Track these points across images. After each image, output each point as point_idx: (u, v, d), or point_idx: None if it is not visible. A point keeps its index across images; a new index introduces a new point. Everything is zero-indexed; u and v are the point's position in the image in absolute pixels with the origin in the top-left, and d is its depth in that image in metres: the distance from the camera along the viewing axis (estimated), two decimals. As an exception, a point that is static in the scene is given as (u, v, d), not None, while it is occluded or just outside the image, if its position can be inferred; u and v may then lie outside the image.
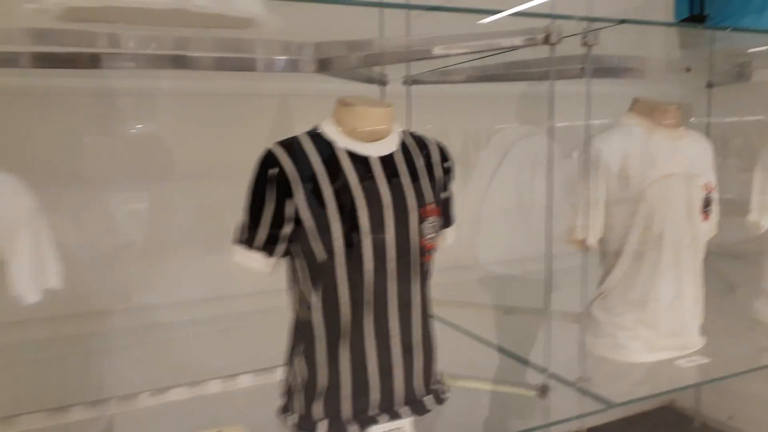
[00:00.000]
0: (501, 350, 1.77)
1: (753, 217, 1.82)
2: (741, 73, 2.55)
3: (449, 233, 1.42)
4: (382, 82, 2.15)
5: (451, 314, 1.98)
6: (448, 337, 1.85)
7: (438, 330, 1.76)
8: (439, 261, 1.32)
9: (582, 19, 1.32)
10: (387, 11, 1.61)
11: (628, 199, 1.54)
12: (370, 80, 2.13)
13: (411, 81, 2.21)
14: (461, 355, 1.79)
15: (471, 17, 1.47)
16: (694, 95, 2.88)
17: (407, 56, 1.52)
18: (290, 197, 1.16)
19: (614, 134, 1.57)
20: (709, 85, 2.79)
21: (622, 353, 1.59)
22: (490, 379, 1.67)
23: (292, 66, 1.58)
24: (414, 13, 1.71)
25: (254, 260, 1.19)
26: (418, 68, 2.20)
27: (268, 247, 1.19)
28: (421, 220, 1.23)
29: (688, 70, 2.10)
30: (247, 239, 1.19)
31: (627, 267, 1.57)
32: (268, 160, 1.17)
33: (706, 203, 1.59)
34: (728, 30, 1.61)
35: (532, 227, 1.62)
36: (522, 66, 1.89)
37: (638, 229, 1.54)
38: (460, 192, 1.40)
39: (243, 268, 1.19)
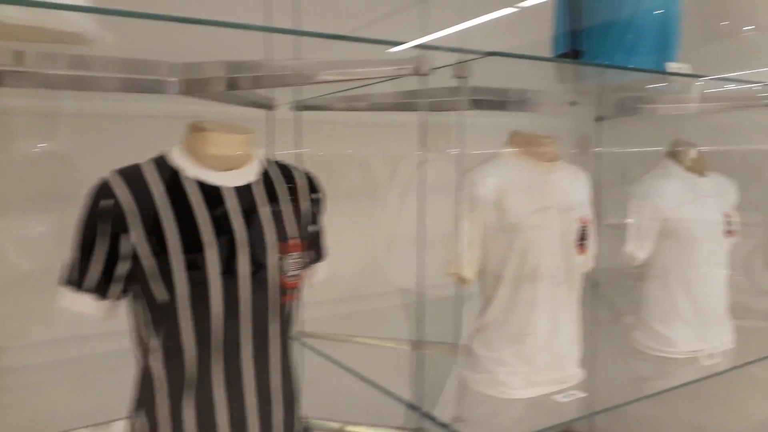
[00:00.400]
0: (381, 389, 1.70)
1: (628, 248, 1.85)
2: (627, 106, 2.67)
3: (321, 268, 1.35)
4: (268, 107, 2.07)
5: (333, 348, 1.90)
6: (325, 373, 1.77)
7: (316, 365, 1.66)
8: (329, 292, 1.24)
9: (452, 50, 1.30)
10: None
11: (504, 232, 1.52)
12: (256, 104, 2.04)
13: (301, 107, 2.15)
14: (336, 393, 1.71)
15: (365, 46, 1.42)
16: (587, 128, 3.01)
17: (273, 81, 1.44)
18: (126, 232, 1.04)
19: (491, 167, 1.56)
20: (599, 119, 2.91)
21: (501, 389, 1.55)
22: (363, 422, 1.59)
23: (155, 87, 1.47)
24: (307, 40, 1.65)
25: (84, 303, 1.06)
26: (309, 93, 2.14)
27: (101, 288, 1.06)
28: (282, 256, 1.15)
29: (573, 104, 2.15)
30: (76, 280, 1.06)
31: (504, 300, 1.55)
32: (102, 190, 1.05)
33: (582, 236, 1.59)
34: (598, 65, 1.64)
35: (429, 255, 1.58)
36: (408, 96, 1.87)
37: (514, 262, 1.52)
38: (349, 221, 1.34)
39: (71, 313, 1.06)
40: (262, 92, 2.02)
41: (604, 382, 1.75)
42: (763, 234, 2.30)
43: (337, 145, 2.28)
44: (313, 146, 2.27)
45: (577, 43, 1.65)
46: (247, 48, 1.46)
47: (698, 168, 1.91)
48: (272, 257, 1.13)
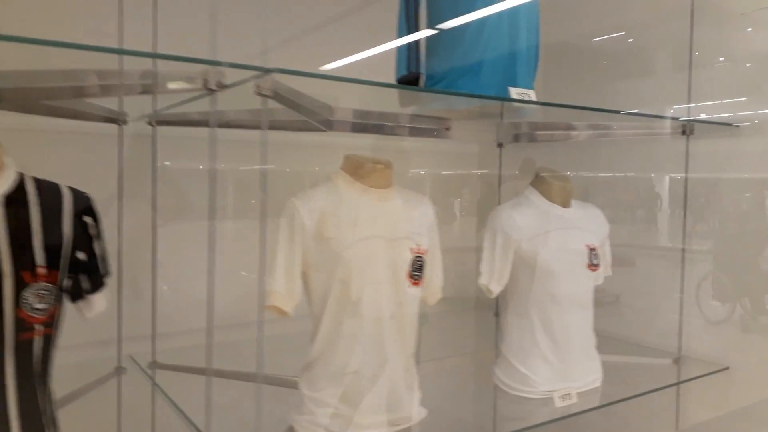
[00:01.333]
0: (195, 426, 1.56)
1: (481, 280, 1.77)
2: (522, 134, 2.63)
3: (98, 299, 1.22)
4: (119, 121, 1.95)
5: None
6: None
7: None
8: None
9: (246, 67, 1.19)
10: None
11: (326, 262, 1.42)
12: (105, 119, 1.92)
13: (157, 121, 2.03)
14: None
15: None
16: (491, 153, 2.96)
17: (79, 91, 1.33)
18: None
19: (315, 192, 1.46)
20: (500, 144, 2.86)
21: (322, 432, 1.43)
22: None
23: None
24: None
25: None
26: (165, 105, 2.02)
27: None
28: (23, 286, 1.02)
29: (448, 129, 2.07)
30: None
31: (327, 336, 1.44)
32: None
33: (417, 267, 1.50)
34: (433, 91, 1.56)
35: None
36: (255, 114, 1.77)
37: (336, 295, 1.42)
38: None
39: None
40: (112, 106, 1.90)
41: (450, 424, 1.65)
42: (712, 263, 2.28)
43: (197, 161, 2.16)
44: (173, 161, 2.16)
45: (418, 66, 1.57)
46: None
47: (561, 197, 1.84)
48: (8, 287, 1.00)
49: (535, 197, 1.84)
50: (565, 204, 1.85)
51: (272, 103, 1.29)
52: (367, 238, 1.42)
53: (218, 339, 2.31)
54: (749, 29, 2.04)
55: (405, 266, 1.47)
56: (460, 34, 1.58)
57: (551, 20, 2.76)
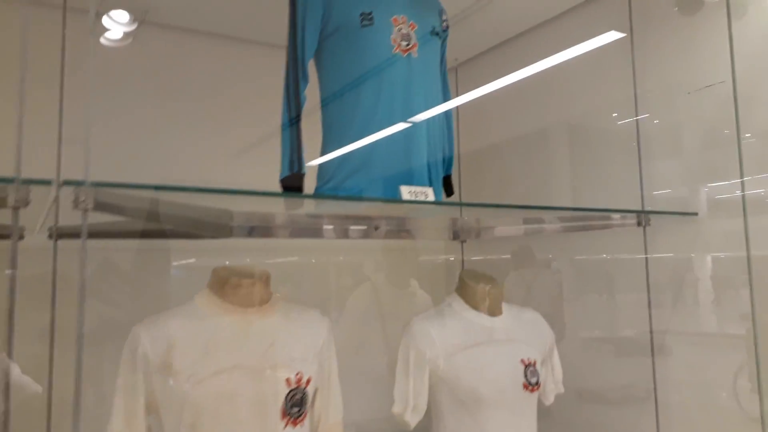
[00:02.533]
0: None
1: (396, 408, 1.51)
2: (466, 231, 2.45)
3: None
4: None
5: None
6: None
7: None
8: None
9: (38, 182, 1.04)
10: None
11: (173, 403, 1.19)
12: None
13: (60, 234, 1.89)
14: None
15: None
16: (453, 248, 2.76)
17: None
18: None
19: (165, 316, 1.25)
20: (461, 240, 2.67)
21: None
22: None
23: None
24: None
25: None
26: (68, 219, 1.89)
27: None
28: None
29: (376, 228, 1.89)
30: None
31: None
32: None
33: (295, 403, 1.26)
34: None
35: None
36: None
37: (184, 441, 1.18)
38: None
39: None
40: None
41: None
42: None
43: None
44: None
45: (300, 166, 1.41)
46: None
47: (488, 304, 1.60)
48: None
49: (458, 305, 1.61)
50: (494, 312, 1.61)
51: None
52: (224, 371, 1.20)
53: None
54: (697, 108, 1.86)
55: (276, 402, 1.23)
56: (345, 130, 1.43)
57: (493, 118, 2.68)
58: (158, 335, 1.21)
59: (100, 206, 1.14)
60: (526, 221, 2.16)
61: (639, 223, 1.93)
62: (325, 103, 1.49)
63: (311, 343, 1.35)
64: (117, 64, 2.10)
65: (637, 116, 1.97)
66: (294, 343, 1.31)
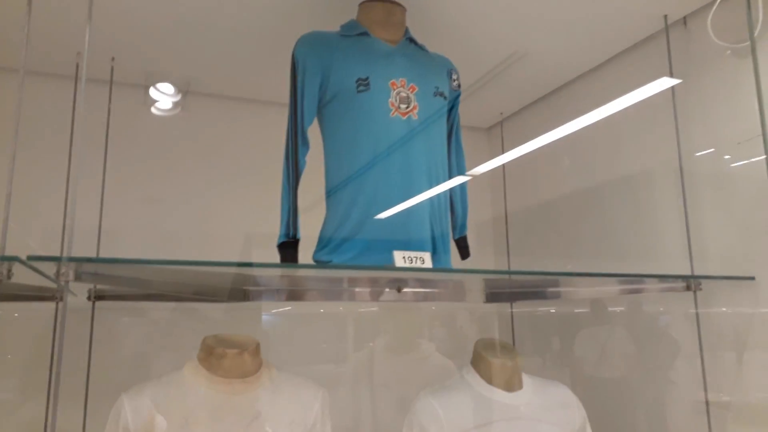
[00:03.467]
0: None
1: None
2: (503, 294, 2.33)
3: None
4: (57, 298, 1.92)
5: None
6: None
7: None
8: None
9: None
10: None
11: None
12: (38, 297, 1.89)
13: (99, 295, 1.98)
14: None
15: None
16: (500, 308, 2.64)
17: None
18: None
19: (149, 386, 1.25)
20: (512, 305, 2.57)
21: None
22: None
23: None
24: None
25: None
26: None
27: None
28: None
29: (399, 290, 1.83)
30: None
31: None
32: None
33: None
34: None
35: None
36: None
37: None
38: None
39: None
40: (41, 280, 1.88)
41: None
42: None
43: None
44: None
45: (295, 231, 1.40)
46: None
47: (507, 379, 1.48)
48: None
49: (471, 378, 1.50)
50: (511, 387, 1.48)
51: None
52: (201, 443, 1.18)
53: None
54: (749, 158, 1.68)
55: (259, 478, 1.19)
56: (342, 194, 1.40)
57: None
58: (140, 405, 1.21)
59: (88, 277, 1.18)
60: (564, 283, 2.02)
61: (688, 288, 1.75)
62: (326, 168, 1.48)
63: (300, 415, 1.30)
64: (165, 132, 2.23)
65: (681, 168, 1.81)
66: (281, 416, 1.27)
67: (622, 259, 2.07)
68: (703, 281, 1.72)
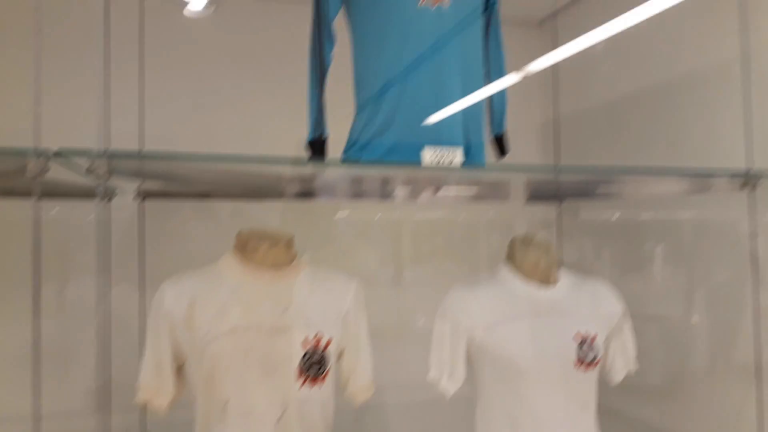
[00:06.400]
0: None
1: (432, 376, 1.45)
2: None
3: None
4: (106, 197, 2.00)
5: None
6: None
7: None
8: None
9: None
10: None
11: (193, 356, 1.26)
12: (84, 195, 1.97)
13: (144, 194, 2.05)
14: None
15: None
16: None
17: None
18: None
19: (189, 275, 1.31)
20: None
21: None
22: None
23: None
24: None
25: None
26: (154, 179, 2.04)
27: None
28: None
29: (437, 190, 1.82)
30: None
31: (199, 442, 1.27)
32: None
33: (313, 364, 1.27)
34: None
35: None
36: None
37: (202, 394, 1.25)
38: None
39: None
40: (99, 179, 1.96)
41: None
42: None
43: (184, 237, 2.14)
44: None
45: (322, 128, 1.38)
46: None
47: (539, 273, 1.48)
48: None
49: (505, 273, 1.50)
50: (546, 281, 1.48)
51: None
52: (238, 329, 1.23)
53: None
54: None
55: (291, 362, 1.25)
56: (370, 89, 1.36)
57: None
58: (180, 293, 1.27)
59: (124, 175, 1.21)
60: (616, 182, 1.94)
61: (746, 183, 1.65)
62: (354, 63, 1.43)
63: (334, 306, 1.34)
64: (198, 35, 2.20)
65: (746, 61, 1.66)
66: (314, 305, 1.31)
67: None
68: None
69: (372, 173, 1.45)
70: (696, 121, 1.91)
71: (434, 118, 1.33)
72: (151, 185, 2.01)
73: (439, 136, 1.33)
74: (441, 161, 1.25)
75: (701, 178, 1.68)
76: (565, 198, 2.38)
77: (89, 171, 1.16)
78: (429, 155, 1.24)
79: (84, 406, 1.99)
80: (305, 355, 1.26)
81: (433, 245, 2.32)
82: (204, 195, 2.06)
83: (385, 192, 1.73)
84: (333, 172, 1.45)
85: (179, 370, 1.32)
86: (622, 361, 1.54)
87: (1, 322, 1.91)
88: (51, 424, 1.22)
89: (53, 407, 1.25)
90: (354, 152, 1.38)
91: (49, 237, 1.80)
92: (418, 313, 2.10)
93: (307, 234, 1.58)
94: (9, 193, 1.71)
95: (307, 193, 1.70)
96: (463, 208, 2.33)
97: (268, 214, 2.08)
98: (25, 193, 1.27)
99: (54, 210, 1.98)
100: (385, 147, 1.33)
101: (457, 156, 1.26)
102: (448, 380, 1.43)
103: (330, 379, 1.30)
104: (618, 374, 1.54)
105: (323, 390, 1.28)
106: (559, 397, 1.40)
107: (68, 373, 2.01)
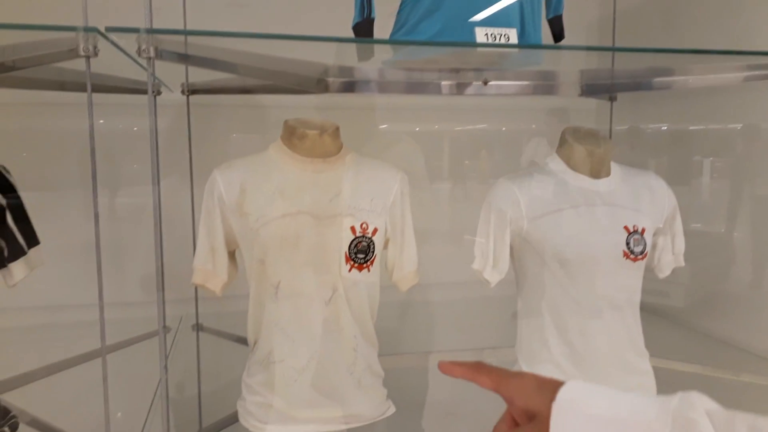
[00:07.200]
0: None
1: (476, 265, 1.47)
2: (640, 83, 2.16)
3: (15, 269, 1.27)
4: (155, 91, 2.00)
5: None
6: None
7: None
8: None
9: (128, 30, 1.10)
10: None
11: (246, 240, 1.29)
12: (132, 90, 1.98)
13: (190, 90, 2.05)
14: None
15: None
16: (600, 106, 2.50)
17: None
18: None
19: (240, 162, 1.33)
20: (612, 98, 2.41)
21: (252, 422, 1.34)
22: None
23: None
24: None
25: None
26: (198, 76, 2.03)
27: None
28: None
29: (485, 83, 1.76)
30: None
31: (253, 320, 1.33)
32: None
33: (361, 250, 1.29)
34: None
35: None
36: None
37: (255, 277, 1.29)
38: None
39: None
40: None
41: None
42: None
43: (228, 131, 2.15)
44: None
45: (370, 10, 1.32)
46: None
47: (593, 166, 1.44)
48: None
49: (555, 165, 1.46)
50: (596, 173, 1.44)
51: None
52: (288, 215, 1.26)
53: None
54: None
55: (339, 248, 1.28)
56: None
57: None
58: (232, 178, 1.29)
59: (167, 55, 1.20)
60: (675, 71, 1.84)
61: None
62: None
63: (380, 195, 1.34)
64: None
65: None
66: (361, 194, 1.32)
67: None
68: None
69: (417, 64, 1.41)
70: (762, 26, 1.77)
71: (488, -1, 1.26)
72: (195, 79, 2.01)
73: (493, 17, 1.26)
74: (495, 42, 1.19)
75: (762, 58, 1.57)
76: (617, 90, 2.27)
77: (139, 52, 1.15)
78: (481, 35, 1.19)
79: (142, 296, 2.10)
80: (353, 241, 1.28)
81: (479, 144, 2.28)
82: (247, 91, 2.05)
83: (430, 85, 1.68)
84: (376, 62, 1.41)
85: (231, 255, 1.37)
86: (669, 256, 1.52)
87: (64, 218, 2.00)
88: (113, 311, 1.29)
89: (114, 297, 1.32)
90: (402, 34, 1.32)
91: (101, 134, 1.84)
92: (463, 212, 2.10)
93: (349, 131, 1.56)
94: (62, 86, 1.73)
95: (349, 85, 1.66)
96: (512, 103, 2.26)
97: (309, 111, 2.06)
98: (79, 87, 1.28)
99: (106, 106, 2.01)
100: (435, 29, 1.27)
101: (511, 36, 1.20)
102: (492, 270, 1.45)
103: (376, 265, 1.33)
104: (665, 269, 1.53)
105: (371, 275, 1.32)
106: (604, 288, 1.40)
107: (126, 265, 2.12)
